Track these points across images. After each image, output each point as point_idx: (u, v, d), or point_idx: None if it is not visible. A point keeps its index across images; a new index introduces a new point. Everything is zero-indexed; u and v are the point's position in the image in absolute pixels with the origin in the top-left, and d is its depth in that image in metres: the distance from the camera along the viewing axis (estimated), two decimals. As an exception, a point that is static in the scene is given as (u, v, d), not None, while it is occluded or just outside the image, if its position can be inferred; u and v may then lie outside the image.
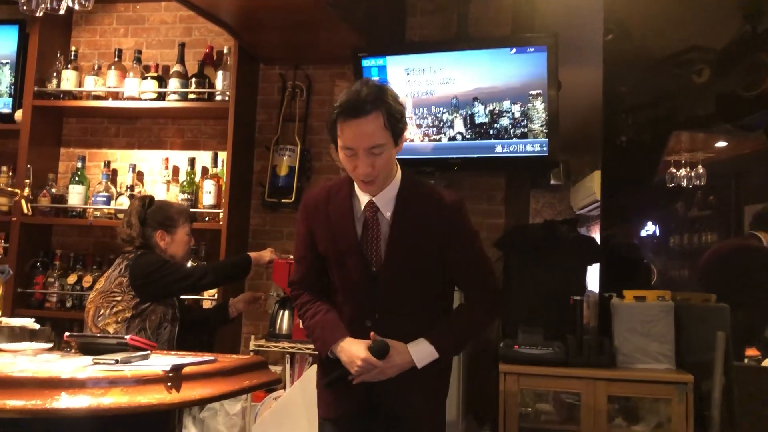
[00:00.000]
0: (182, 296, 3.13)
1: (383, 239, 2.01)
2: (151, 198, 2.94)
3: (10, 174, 3.81)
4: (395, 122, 1.95)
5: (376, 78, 1.92)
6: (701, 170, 3.85)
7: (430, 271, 2.06)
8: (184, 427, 3.07)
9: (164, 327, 2.72)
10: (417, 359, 1.99)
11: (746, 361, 2.99)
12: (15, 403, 1.45)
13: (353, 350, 1.98)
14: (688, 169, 3.88)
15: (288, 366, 3.13)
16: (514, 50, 3.15)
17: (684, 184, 3.87)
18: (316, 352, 2.28)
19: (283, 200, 3.60)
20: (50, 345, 2.06)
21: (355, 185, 2.06)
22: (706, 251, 3.71)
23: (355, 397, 2.05)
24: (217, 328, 3.17)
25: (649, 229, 3.93)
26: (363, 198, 2.04)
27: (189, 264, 3.29)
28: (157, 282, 2.67)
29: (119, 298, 2.66)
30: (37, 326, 2.17)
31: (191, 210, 3.53)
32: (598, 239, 3.57)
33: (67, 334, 2.03)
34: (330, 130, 1.98)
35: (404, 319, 2.03)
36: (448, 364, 2.16)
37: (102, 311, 2.67)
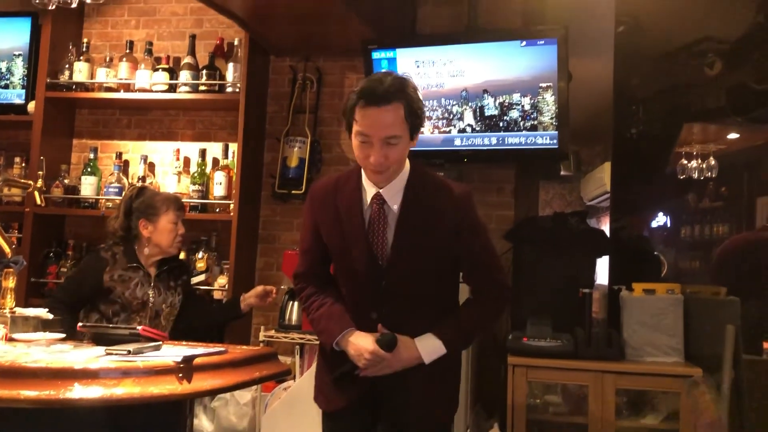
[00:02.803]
0: (195, 288, 3.17)
1: (390, 232, 1.99)
2: (141, 188, 2.95)
3: (24, 165, 3.84)
4: (415, 117, 1.92)
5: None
6: (713, 162, 3.82)
7: (438, 265, 2.03)
8: (196, 417, 3.10)
9: (121, 317, 2.75)
10: (424, 354, 1.97)
11: (766, 355, 2.98)
12: (29, 393, 1.48)
13: (361, 343, 1.95)
14: (700, 161, 3.85)
15: (298, 357, 3.16)
16: (524, 43, 3.15)
17: (695, 175, 3.84)
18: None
19: (293, 191, 3.62)
20: (63, 335, 2.09)
21: (363, 177, 2.03)
22: (719, 245, 3.69)
23: (357, 390, 2.01)
24: (228, 323, 3.18)
25: (660, 220, 3.91)
26: (370, 190, 2.01)
27: (203, 255, 3.32)
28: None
29: None
30: (50, 316, 2.20)
31: (202, 201, 3.57)
32: (608, 231, 3.56)
33: (79, 324, 2.06)
34: (346, 115, 1.94)
35: (410, 312, 2.00)
36: (457, 362, 2.12)
37: None
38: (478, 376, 3.26)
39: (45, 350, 1.84)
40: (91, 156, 3.80)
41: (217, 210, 3.60)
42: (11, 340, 2.01)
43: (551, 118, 3.15)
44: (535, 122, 3.17)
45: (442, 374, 2.04)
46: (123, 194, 3.03)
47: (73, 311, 2.72)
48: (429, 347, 1.97)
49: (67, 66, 3.81)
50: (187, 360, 1.64)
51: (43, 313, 2.21)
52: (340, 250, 2.05)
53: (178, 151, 3.77)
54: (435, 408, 2.04)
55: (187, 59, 3.70)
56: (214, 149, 3.77)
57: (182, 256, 3.46)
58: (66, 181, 3.78)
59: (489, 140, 3.27)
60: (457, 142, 3.32)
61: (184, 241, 2.99)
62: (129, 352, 1.66)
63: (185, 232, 2.92)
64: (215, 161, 3.75)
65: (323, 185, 2.10)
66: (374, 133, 1.88)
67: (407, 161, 2.03)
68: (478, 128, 3.28)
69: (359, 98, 1.89)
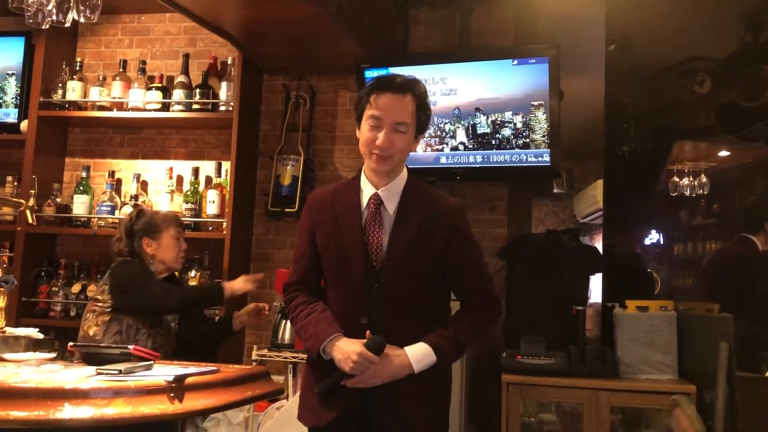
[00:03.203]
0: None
1: (385, 235, 2.00)
2: (139, 210, 3.01)
3: (16, 184, 3.83)
4: (423, 113, 2.04)
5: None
6: (704, 179, 3.85)
7: (430, 272, 2.03)
8: (187, 437, 3.07)
9: (141, 333, 2.73)
10: (414, 360, 1.93)
11: None
12: (18, 414, 1.46)
13: (348, 347, 1.91)
14: (691, 178, 3.87)
15: (290, 376, 3.14)
16: (515, 62, 3.17)
17: (687, 193, 3.87)
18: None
19: (286, 209, 3.62)
20: (54, 355, 2.07)
21: (362, 178, 2.06)
22: (706, 258, 3.71)
23: (345, 402, 1.96)
24: (221, 341, 3.17)
25: (653, 237, 3.92)
26: (368, 190, 2.05)
27: (196, 274, 3.33)
28: (130, 293, 2.73)
29: (101, 302, 2.76)
30: (40, 336, 2.18)
31: (195, 219, 3.57)
32: (601, 248, 3.56)
33: (70, 344, 2.04)
34: (360, 103, 2.03)
35: (400, 319, 1.98)
36: (448, 379, 2.09)
37: (87, 315, 2.78)
38: (472, 395, 3.24)
39: (35, 370, 1.83)
40: (84, 174, 3.79)
41: (210, 228, 3.59)
42: (1, 360, 1.99)
43: (543, 136, 3.17)
44: (527, 140, 3.19)
45: (433, 392, 2.02)
46: (121, 220, 3.08)
47: None
48: (418, 353, 1.94)
49: (60, 85, 3.81)
50: (179, 379, 1.62)
51: (33, 332, 2.19)
52: (335, 253, 2.03)
53: (171, 169, 3.76)
54: (425, 428, 2.00)
55: (181, 78, 3.71)
56: (207, 167, 3.77)
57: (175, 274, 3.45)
58: (58, 199, 3.76)
59: (481, 158, 3.28)
60: (450, 159, 3.33)
61: (185, 257, 3.04)
62: (120, 371, 1.65)
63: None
64: (208, 179, 3.75)
65: (322, 192, 2.16)
66: (387, 116, 1.98)
67: (405, 169, 2.08)
68: (470, 146, 3.29)
69: (377, 86, 2.02)
